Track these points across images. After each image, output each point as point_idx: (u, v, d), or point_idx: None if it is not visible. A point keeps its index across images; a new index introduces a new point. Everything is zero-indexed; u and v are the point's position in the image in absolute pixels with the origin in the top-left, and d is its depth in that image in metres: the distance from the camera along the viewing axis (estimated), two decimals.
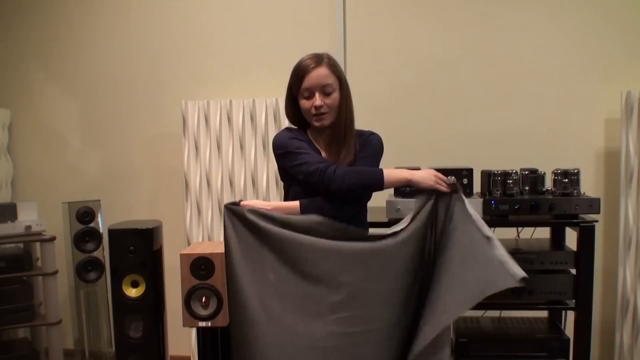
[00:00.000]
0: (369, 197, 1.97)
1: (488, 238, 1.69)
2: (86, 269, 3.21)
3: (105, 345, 3.37)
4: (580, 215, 2.28)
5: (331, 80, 1.88)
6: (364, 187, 1.87)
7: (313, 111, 1.88)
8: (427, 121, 3.15)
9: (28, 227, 3.10)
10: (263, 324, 1.76)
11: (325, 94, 1.88)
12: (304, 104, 1.90)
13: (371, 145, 1.96)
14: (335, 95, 1.90)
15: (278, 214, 1.81)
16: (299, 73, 1.89)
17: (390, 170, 1.85)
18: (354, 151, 1.92)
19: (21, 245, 3.28)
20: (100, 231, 3.25)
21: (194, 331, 2.96)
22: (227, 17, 3.35)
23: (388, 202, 2.27)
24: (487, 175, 2.35)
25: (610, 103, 2.91)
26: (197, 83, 3.41)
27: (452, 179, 1.82)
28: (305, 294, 1.76)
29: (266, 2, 3.30)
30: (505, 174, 2.30)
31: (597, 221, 2.25)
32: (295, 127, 2.03)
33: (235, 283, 1.81)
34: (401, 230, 1.78)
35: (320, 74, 1.87)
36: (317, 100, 1.87)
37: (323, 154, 1.95)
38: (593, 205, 2.23)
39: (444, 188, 1.79)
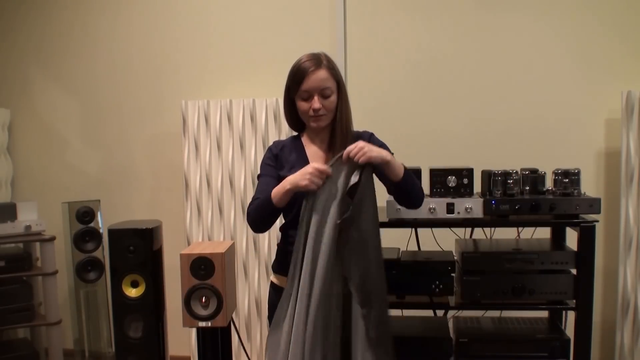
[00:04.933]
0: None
1: None
2: (86, 269, 3.21)
3: (105, 345, 3.36)
4: (581, 215, 2.27)
5: (330, 83, 1.88)
6: (262, 217, 1.85)
7: (311, 113, 1.89)
8: (428, 121, 3.15)
9: (28, 227, 3.10)
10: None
11: (324, 96, 1.88)
12: (302, 105, 1.90)
13: (378, 146, 1.96)
14: (333, 98, 1.90)
15: None
16: (298, 75, 1.88)
17: (276, 188, 1.82)
18: None
19: (21, 245, 3.28)
20: (100, 231, 3.25)
21: (194, 331, 2.95)
22: (228, 17, 3.35)
23: (388, 202, 2.26)
24: (487, 175, 2.35)
25: (611, 103, 2.91)
26: (197, 83, 3.41)
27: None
28: None
29: (266, 2, 3.30)
30: (506, 174, 2.29)
31: (597, 221, 2.24)
32: (282, 139, 2.07)
33: None
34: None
35: (320, 77, 1.86)
36: (316, 103, 1.87)
37: (320, 154, 1.96)
38: (593, 205, 2.22)
39: (314, 187, 1.74)
